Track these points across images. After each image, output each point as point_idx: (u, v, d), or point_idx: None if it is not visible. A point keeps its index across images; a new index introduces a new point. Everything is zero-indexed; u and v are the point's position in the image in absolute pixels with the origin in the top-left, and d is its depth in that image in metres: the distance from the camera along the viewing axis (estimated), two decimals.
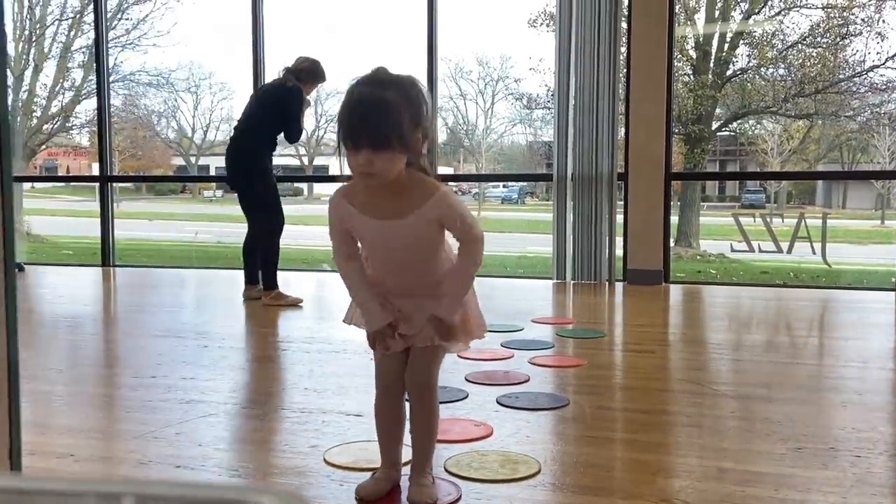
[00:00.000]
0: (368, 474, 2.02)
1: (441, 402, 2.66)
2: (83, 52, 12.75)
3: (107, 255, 7.13)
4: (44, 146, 13.93)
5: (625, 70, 5.88)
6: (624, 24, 5.87)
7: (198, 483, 0.37)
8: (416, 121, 1.71)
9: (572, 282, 5.89)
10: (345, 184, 1.81)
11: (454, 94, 19.08)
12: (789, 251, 5.88)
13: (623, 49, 5.90)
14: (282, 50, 4.97)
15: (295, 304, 4.82)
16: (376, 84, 1.69)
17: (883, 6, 12.73)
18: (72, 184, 17.53)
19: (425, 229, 1.77)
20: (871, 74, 13.12)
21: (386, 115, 1.66)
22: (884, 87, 13.14)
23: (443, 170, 15.39)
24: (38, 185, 16.63)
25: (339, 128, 1.69)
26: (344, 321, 1.94)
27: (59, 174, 15.51)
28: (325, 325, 4.35)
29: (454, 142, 20.94)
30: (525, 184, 21.21)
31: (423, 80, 6.83)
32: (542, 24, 13.96)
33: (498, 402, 2.66)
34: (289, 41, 4.91)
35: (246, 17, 6.62)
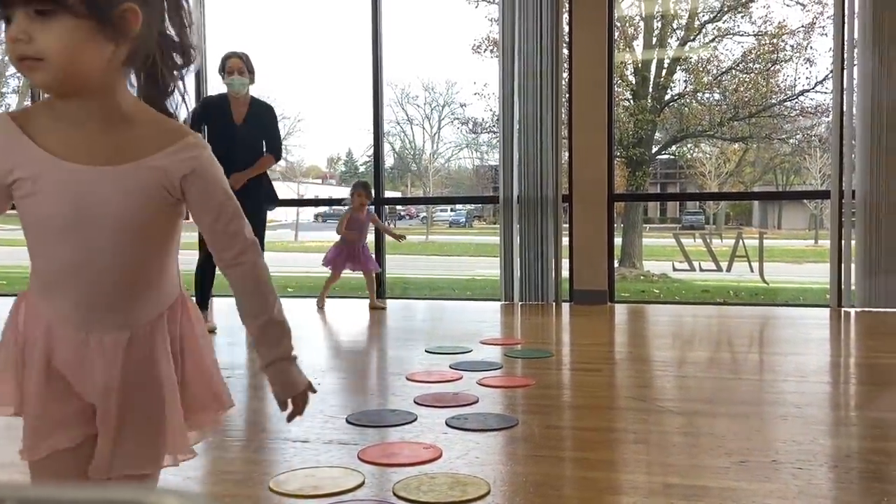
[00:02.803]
0: (315, 502, 1.98)
1: (390, 426, 2.64)
2: (18, 77, 12.43)
3: None
4: None
5: (567, 95, 5.99)
6: (566, 51, 5.98)
7: (90, 487, 0.35)
8: None
9: (520, 303, 5.92)
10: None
11: (401, 119, 19.20)
12: (728, 270, 6.02)
13: (565, 74, 6.00)
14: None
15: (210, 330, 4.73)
16: None
17: (811, 33, 13.27)
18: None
19: (155, 196, 1.08)
20: (801, 99, 13.66)
21: None
22: (813, 110, 13.68)
23: (390, 194, 15.39)
24: None
25: None
26: None
27: None
28: None
29: (401, 166, 21.01)
30: (472, 207, 21.30)
31: (368, 105, 6.69)
32: (485, 49, 14.16)
33: (447, 424, 2.64)
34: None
35: None
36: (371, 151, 7.01)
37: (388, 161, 20.13)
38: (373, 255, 5.84)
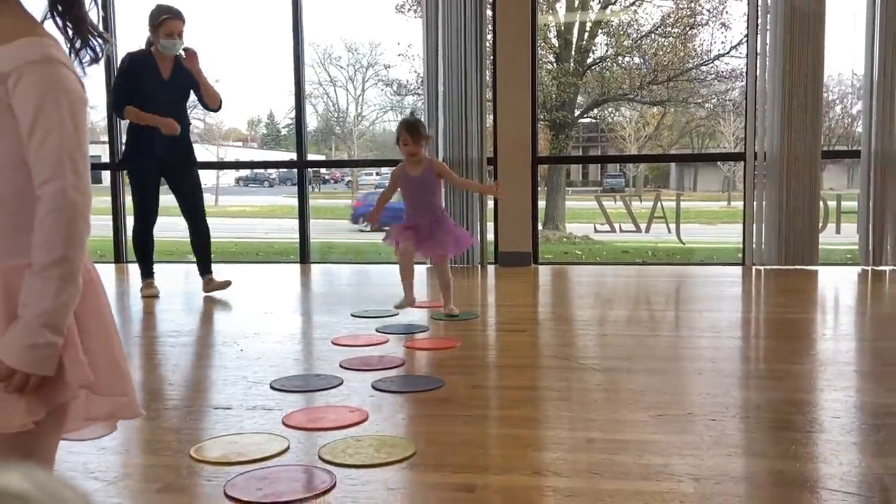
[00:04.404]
0: (238, 468, 1.95)
1: (315, 391, 2.62)
2: None
3: None
4: None
5: (491, 57, 5.96)
6: (489, 11, 5.94)
7: None
8: None
9: None
10: None
11: (323, 81, 18.80)
12: (647, 231, 6.18)
13: (489, 36, 5.97)
14: (137, 33, 4.67)
15: (153, 295, 4.66)
16: None
17: None
18: None
19: None
20: (717, 63, 13.98)
21: None
22: (728, 75, 14.03)
23: (314, 157, 15.11)
24: None
25: None
26: None
27: None
28: (191, 317, 4.17)
29: (325, 129, 20.65)
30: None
31: (289, 66, 6.50)
32: (409, 9, 13.96)
33: (373, 387, 2.64)
34: (142, 24, 4.61)
35: None
36: (293, 114, 6.85)
37: (312, 123, 19.75)
38: (455, 228, 4.01)
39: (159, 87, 4.52)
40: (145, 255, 4.71)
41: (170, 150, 4.54)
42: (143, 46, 4.59)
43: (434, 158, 4.03)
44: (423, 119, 6.01)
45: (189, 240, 4.78)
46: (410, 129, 3.85)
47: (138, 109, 4.46)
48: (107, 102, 6.28)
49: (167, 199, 4.72)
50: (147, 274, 4.71)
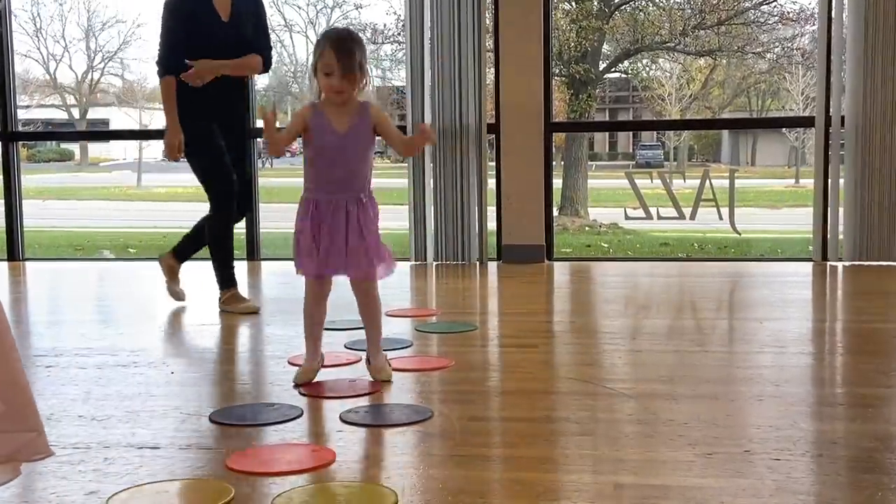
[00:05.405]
0: None
1: (267, 424, 2.62)
2: None
3: None
4: None
5: None
6: None
7: None
8: None
9: (435, 263, 5.94)
10: None
11: (277, 25, 18.77)
12: (692, 217, 6.19)
13: None
14: None
15: (252, 310, 4.39)
16: None
17: None
18: None
19: None
20: (781, 2, 13.97)
21: None
22: (796, 17, 13.99)
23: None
24: None
25: None
26: None
27: None
28: (107, 330, 4.16)
29: (279, 87, 20.62)
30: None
31: None
32: None
33: (342, 420, 2.64)
34: None
35: None
36: None
37: (261, 80, 19.70)
38: (377, 236, 3.08)
39: (220, 30, 4.25)
40: (230, 254, 4.48)
41: (225, 118, 4.36)
42: None
43: (370, 102, 3.12)
44: (405, 76, 6.01)
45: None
46: (338, 45, 2.92)
47: (179, 80, 4.22)
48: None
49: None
50: (232, 281, 4.46)
